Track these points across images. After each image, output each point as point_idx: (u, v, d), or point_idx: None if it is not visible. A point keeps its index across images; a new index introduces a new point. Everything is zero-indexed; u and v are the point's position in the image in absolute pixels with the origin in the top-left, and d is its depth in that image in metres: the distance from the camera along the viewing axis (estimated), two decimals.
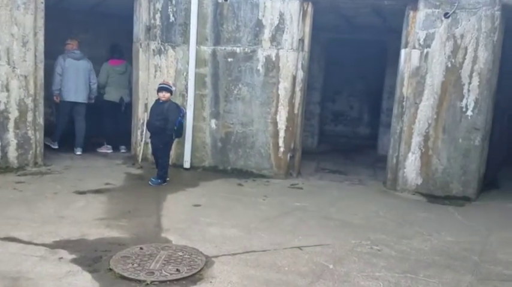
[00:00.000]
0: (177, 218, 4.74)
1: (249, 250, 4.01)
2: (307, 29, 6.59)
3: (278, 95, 6.66)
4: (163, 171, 6.08)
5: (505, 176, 7.70)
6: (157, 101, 6.11)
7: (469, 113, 6.12)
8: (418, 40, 6.20)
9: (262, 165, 6.82)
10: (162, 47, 6.93)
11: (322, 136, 10.56)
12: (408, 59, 6.30)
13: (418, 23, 6.17)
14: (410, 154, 6.40)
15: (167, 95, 6.02)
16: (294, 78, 6.62)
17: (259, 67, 6.67)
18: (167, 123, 5.91)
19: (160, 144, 6.07)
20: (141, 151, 7.04)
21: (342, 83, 11.09)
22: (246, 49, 6.70)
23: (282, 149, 6.75)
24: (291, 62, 6.57)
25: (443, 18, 6.06)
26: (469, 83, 6.08)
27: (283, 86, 6.63)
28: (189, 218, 4.75)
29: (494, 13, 5.82)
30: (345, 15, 7.76)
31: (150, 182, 5.96)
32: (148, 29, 6.97)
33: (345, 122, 11.67)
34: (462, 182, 6.24)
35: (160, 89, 6.03)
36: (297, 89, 6.68)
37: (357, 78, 11.05)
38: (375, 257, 4.04)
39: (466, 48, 6.01)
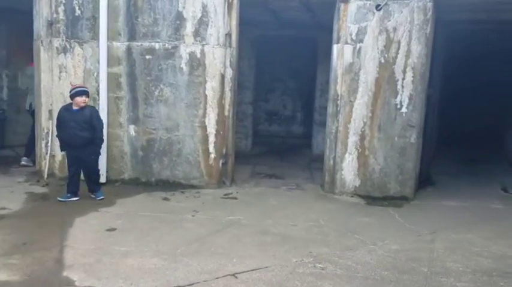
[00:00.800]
0: (84, 249, 3.93)
1: (173, 284, 3.34)
2: (234, 22, 6.01)
3: (206, 96, 6.02)
4: (99, 186, 5.56)
5: (437, 171, 7.71)
6: (70, 107, 5.27)
7: (404, 109, 5.90)
8: (350, 35, 5.87)
9: (191, 174, 6.14)
10: (67, 45, 5.98)
11: (256, 137, 10.08)
12: (341, 55, 5.95)
13: (350, 16, 5.84)
14: (347, 155, 6.07)
15: (87, 99, 5.27)
16: (223, 77, 6.01)
17: (183, 65, 5.98)
18: (95, 131, 5.23)
19: (92, 155, 5.36)
20: (47, 165, 6.04)
21: (274, 81, 10.68)
22: (167, 45, 5.97)
23: (212, 156, 6.12)
24: (218, 59, 5.95)
25: (375, 10, 5.77)
26: (403, 79, 5.86)
27: (211, 86, 6.00)
28: (99, 247, 3.96)
29: (427, 4, 5.63)
30: (273, 10, 7.29)
31: (96, 197, 5.39)
32: (51, 24, 6.00)
33: (279, 121, 11.28)
34: (399, 182, 6.02)
35: (80, 93, 5.23)
36: (227, 88, 6.08)
37: (289, 76, 10.71)
38: (319, 278, 3.56)
39: (399, 42, 5.78)
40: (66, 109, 5.31)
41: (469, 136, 12.06)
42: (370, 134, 5.98)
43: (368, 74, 5.88)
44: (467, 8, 5.92)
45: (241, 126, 9.12)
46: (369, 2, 5.77)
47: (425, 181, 6.87)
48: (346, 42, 5.90)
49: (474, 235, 4.69)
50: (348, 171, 6.09)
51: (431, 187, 6.79)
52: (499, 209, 5.76)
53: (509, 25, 7.05)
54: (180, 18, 5.92)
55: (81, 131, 5.16)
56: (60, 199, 5.27)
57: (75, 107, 5.23)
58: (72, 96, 5.24)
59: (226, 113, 6.11)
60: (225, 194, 5.89)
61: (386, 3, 5.71)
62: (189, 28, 5.92)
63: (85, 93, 5.26)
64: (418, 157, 6.22)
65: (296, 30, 8.57)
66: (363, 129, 5.98)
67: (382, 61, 5.84)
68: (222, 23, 5.89)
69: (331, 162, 6.19)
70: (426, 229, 4.87)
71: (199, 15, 5.89)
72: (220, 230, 4.57)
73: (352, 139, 6.03)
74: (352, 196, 6.08)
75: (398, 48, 5.77)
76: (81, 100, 5.19)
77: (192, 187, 6.06)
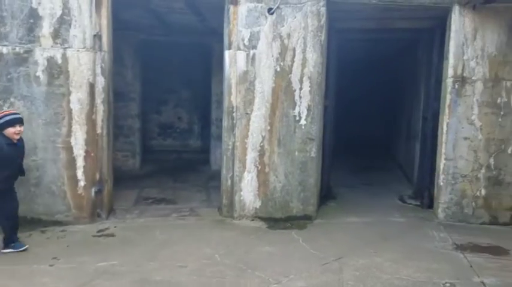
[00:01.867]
0: None
1: None
2: (105, 22, 5.02)
3: (70, 110, 4.92)
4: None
5: (336, 183, 7.48)
6: (10, 140, 4.20)
7: (303, 122, 5.44)
8: (243, 40, 5.25)
9: (55, 208, 4.97)
10: None
11: (147, 154, 9.03)
12: (234, 62, 5.31)
13: (241, 19, 5.23)
14: (246, 173, 5.42)
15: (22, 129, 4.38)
16: (92, 86, 4.97)
17: (39, 73, 4.83)
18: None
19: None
20: None
21: (166, 92, 9.74)
22: (18, 49, 4.77)
23: (82, 183, 5.02)
24: (85, 66, 4.91)
25: (267, 14, 5.23)
26: (300, 89, 5.40)
27: (77, 98, 4.92)
28: None
29: (320, 9, 5.24)
30: (156, 12, 6.42)
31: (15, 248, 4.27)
32: None
33: (175, 135, 10.34)
34: (302, 200, 5.53)
35: (17, 122, 4.25)
36: (98, 100, 5.04)
37: (183, 86, 9.86)
38: None
39: (294, 50, 5.30)
40: (8, 144, 4.15)
41: (361, 145, 12.37)
42: (269, 149, 5.41)
43: (264, 83, 5.31)
44: (357, 15, 5.70)
45: (127, 143, 8.04)
46: (260, 5, 5.21)
47: (326, 195, 6.51)
48: (239, 49, 5.27)
49: (382, 259, 4.31)
50: (248, 191, 5.44)
51: (333, 202, 6.45)
52: (401, 223, 5.55)
53: (397, 33, 7.08)
54: (34, 16, 4.77)
55: (21, 166, 4.47)
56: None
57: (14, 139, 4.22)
58: (6, 126, 4.15)
59: (98, 130, 5.07)
60: (99, 231, 4.84)
61: (278, 7, 5.21)
62: (46, 28, 4.80)
63: (20, 121, 4.31)
64: (319, 172, 5.81)
65: (187, 36, 7.78)
66: (261, 144, 5.38)
67: (278, 69, 5.31)
68: (89, 22, 4.87)
69: (229, 182, 5.48)
70: (332, 255, 4.39)
71: (60, 12, 4.81)
72: (84, 285, 3.54)
73: (251, 155, 5.40)
74: (252, 220, 5.44)
75: (294, 56, 5.30)
76: (18, 131, 4.25)
77: (57, 223, 4.90)
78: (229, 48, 5.32)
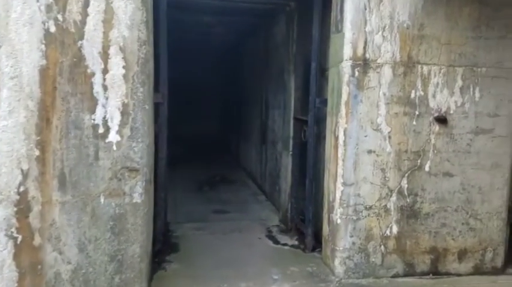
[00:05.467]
0: None
1: None
2: None
3: None
4: None
5: (178, 217, 5.12)
6: None
7: (114, 136, 2.88)
8: None
9: None
10: None
11: None
12: None
13: None
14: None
15: None
16: None
17: None
18: None
19: None
20: None
21: None
22: None
23: None
24: None
25: None
26: (105, 71, 2.80)
27: None
28: None
29: None
30: None
31: None
32: None
33: None
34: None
35: None
36: None
37: None
38: None
39: None
40: None
41: (203, 151, 10.26)
42: (41, 197, 2.62)
43: (21, 58, 2.50)
44: None
45: None
46: None
47: (162, 248, 4.03)
48: None
49: None
50: None
51: (174, 259, 3.99)
52: None
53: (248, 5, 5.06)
54: None
55: None
56: None
57: None
58: None
59: None
60: None
61: None
62: None
63: None
64: (151, 227, 3.29)
65: None
66: (21, 189, 2.57)
67: (53, 29, 2.58)
68: None
69: None
70: None
71: None
72: None
73: (2, 214, 2.53)
74: None
75: (87, 1, 2.64)
76: None
77: None
78: None
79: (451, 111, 3.61)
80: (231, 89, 9.89)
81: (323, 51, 4.06)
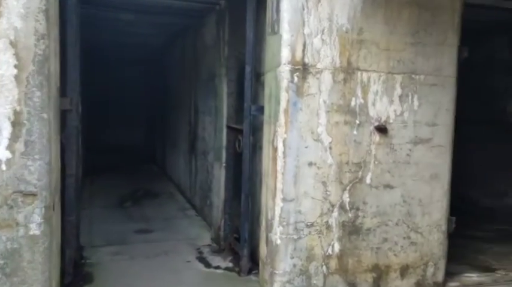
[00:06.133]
0: None
1: None
2: None
3: None
4: None
5: (94, 240, 4.49)
6: None
7: (3, 153, 2.24)
8: None
9: None
10: None
11: None
12: None
13: None
14: None
15: None
16: None
17: None
18: None
19: None
20: None
21: None
22: None
23: None
24: None
25: None
26: None
27: None
28: None
29: None
30: None
31: None
32: None
33: None
34: None
35: None
36: None
37: None
38: None
39: None
40: None
41: (124, 160, 9.51)
42: None
43: None
44: None
45: None
46: None
47: (74, 281, 3.41)
48: None
49: None
50: None
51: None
52: None
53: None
54: None
55: None
56: None
57: None
58: None
59: None
60: None
61: None
62: None
63: None
64: (54, 266, 2.70)
65: None
66: None
67: None
68: None
69: None
70: None
71: None
72: None
73: None
74: None
75: None
76: None
77: None
78: None
79: (391, 121, 3.44)
80: (159, 94, 9.28)
81: (258, 54, 3.73)
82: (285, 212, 3.25)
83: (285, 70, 3.18)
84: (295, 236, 3.28)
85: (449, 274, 3.70)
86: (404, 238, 3.54)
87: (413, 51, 3.44)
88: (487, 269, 4.10)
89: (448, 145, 3.59)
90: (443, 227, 3.62)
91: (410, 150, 3.49)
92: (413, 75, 3.45)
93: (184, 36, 6.59)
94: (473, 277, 3.91)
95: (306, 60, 3.21)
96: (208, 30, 5.11)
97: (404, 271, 3.56)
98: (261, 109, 3.62)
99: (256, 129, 3.77)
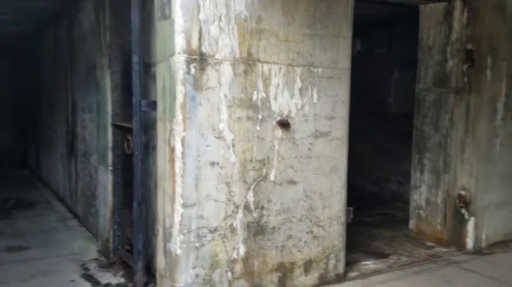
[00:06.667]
0: None
1: None
2: None
3: None
4: None
5: None
6: None
7: None
8: None
9: None
10: None
11: None
12: None
13: None
14: None
15: None
16: None
17: None
18: None
19: None
20: None
21: None
22: None
23: None
24: None
25: None
26: None
27: None
28: None
29: None
30: None
31: None
32: None
33: None
34: None
35: None
36: None
37: None
38: None
39: None
40: None
41: None
42: None
43: None
44: None
45: None
46: None
47: None
48: None
49: None
50: None
51: None
52: None
53: None
54: None
55: None
56: None
57: None
58: None
59: None
60: None
61: None
62: None
63: None
64: None
65: None
66: None
67: None
68: None
69: None
70: None
71: None
72: None
73: None
74: None
75: None
76: None
77: None
78: None
79: (293, 115, 3.33)
80: (29, 90, 8.10)
81: (147, 42, 3.32)
82: (185, 219, 2.93)
83: (180, 60, 2.84)
84: (197, 244, 2.99)
85: (348, 264, 3.76)
86: (307, 232, 3.48)
87: (311, 44, 3.37)
88: (381, 255, 4.29)
89: (345, 137, 3.62)
90: (343, 219, 3.66)
91: (311, 144, 3.43)
92: (311, 68, 3.38)
93: (58, 23, 5.77)
94: (370, 264, 4.04)
95: (204, 49, 2.91)
96: (86, 15, 4.50)
97: (308, 266, 3.50)
98: (152, 104, 3.23)
99: (149, 127, 3.37)
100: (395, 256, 4.28)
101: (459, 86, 4.52)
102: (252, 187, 3.18)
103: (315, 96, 3.42)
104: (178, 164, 2.88)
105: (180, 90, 2.85)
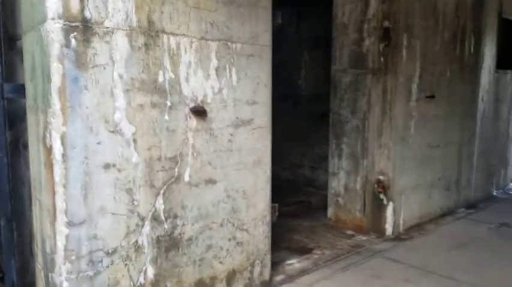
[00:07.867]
0: None
1: None
2: None
3: None
4: None
5: None
6: None
7: None
8: None
9: None
10: None
11: None
12: None
13: None
14: None
15: None
16: None
17: None
18: None
19: None
20: None
21: None
22: None
23: None
24: None
25: None
26: None
27: None
28: None
29: None
30: None
31: None
32: None
33: None
34: None
35: None
36: None
37: None
38: None
39: None
40: None
41: None
42: None
43: None
44: None
45: None
46: None
47: None
48: None
49: None
50: None
51: None
52: None
53: None
54: None
55: None
56: None
57: None
58: None
59: None
60: None
61: None
62: None
63: None
64: None
65: None
66: None
67: None
68: None
69: None
70: None
71: None
72: None
73: None
74: None
75: None
76: None
77: None
78: None
79: (209, 100, 2.73)
80: None
81: (11, 6, 2.43)
82: (73, 242, 2.20)
83: (54, 28, 2.06)
84: (91, 272, 2.28)
85: (273, 265, 3.33)
86: (229, 239, 2.96)
87: (227, 13, 2.78)
88: (304, 250, 3.96)
89: (268, 125, 3.13)
90: (268, 218, 3.20)
91: (231, 135, 2.87)
92: (229, 43, 2.80)
93: None
94: (295, 263, 3.68)
95: (88, 14, 2.16)
96: None
97: (231, 278, 2.99)
98: (20, 89, 2.38)
99: (17, 120, 2.52)
100: (318, 250, 3.99)
101: (376, 67, 4.32)
102: (162, 191, 2.54)
103: (234, 77, 2.86)
104: (58, 170, 2.12)
105: (56, 69, 2.07)
